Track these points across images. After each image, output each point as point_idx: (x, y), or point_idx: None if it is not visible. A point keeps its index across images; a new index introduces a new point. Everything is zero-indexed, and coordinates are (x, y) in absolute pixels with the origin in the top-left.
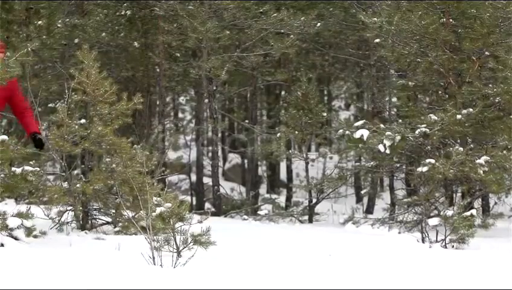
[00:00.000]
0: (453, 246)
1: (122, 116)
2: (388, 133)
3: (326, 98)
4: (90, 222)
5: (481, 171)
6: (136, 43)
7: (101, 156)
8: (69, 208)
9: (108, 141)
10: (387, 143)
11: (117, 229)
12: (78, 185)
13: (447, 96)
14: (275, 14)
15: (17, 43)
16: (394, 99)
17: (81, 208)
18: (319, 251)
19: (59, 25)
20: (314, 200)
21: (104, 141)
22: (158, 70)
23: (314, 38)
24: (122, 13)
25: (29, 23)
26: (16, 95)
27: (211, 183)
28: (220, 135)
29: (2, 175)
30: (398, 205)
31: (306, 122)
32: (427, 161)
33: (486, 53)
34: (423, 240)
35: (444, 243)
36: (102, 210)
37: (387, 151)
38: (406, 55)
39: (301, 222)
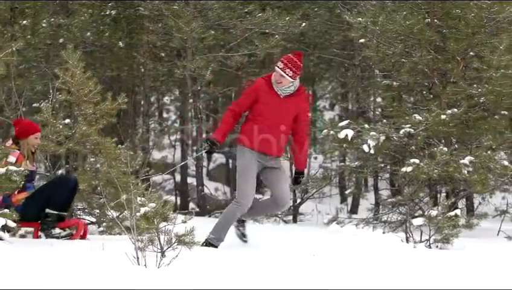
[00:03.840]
0: (437, 246)
1: (106, 116)
2: (373, 133)
3: (310, 98)
4: None
5: (465, 172)
6: (120, 43)
7: (85, 156)
8: None
9: (92, 141)
10: (372, 143)
11: (101, 229)
12: None
13: (431, 96)
14: (260, 14)
15: (1, 42)
16: (379, 100)
17: None
18: (303, 251)
19: (44, 25)
20: (298, 200)
21: (89, 141)
22: (143, 70)
23: (299, 38)
24: (107, 13)
25: (14, 23)
26: None
27: (195, 183)
28: (204, 135)
29: None
30: (382, 205)
31: None
32: (412, 161)
33: (471, 53)
34: (407, 240)
35: (428, 243)
36: (86, 210)
37: (372, 151)
38: (391, 56)
39: (285, 222)
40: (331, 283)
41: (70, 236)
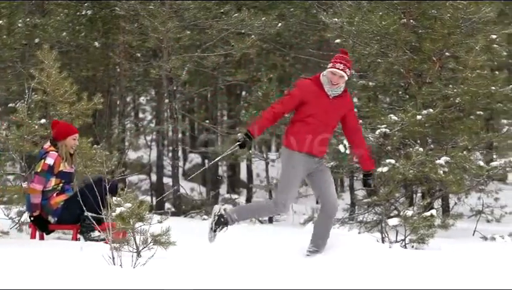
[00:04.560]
0: (412, 246)
1: (82, 116)
2: None
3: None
4: None
5: (441, 172)
6: (96, 43)
7: None
8: None
9: None
10: (348, 143)
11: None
12: None
13: (407, 96)
14: (236, 15)
15: None
16: (355, 100)
17: None
18: (278, 251)
19: (19, 25)
20: None
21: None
22: (118, 70)
23: (275, 39)
24: (83, 13)
25: None
26: None
27: (171, 184)
28: (180, 135)
29: None
30: (358, 205)
31: None
32: (387, 161)
33: (447, 54)
34: (383, 240)
35: (403, 243)
36: None
37: (348, 152)
38: (367, 56)
39: (261, 222)
40: (306, 283)
41: None
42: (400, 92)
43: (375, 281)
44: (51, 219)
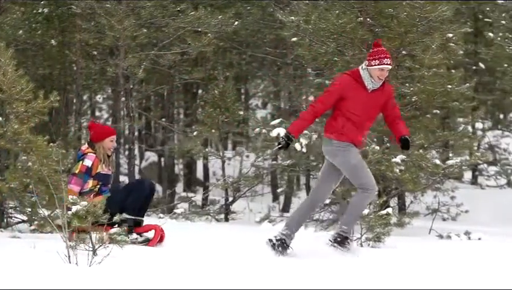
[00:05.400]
0: (369, 245)
1: (38, 114)
2: (305, 131)
3: (243, 96)
4: (5, 220)
5: (397, 170)
6: (53, 41)
7: (17, 154)
8: None
9: (24, 139)
10: (304, 142)
11: (33, 227)
12: None
13: None
14: (193, 13)
15: None
16: (311, 98)
17: None
18: (233, 250)
19: None
20: (230, 199)
21: (20, 139)
22: (75, 68)
23: (232, 37)
24: (40, 11)
25: None
26: None
27: (127, 182)
28: (136, 133)
29: None
30: None
31: (223, 120)
32: None
33: (404, 52)
34: None
35: (360, 242)
36: (18, 208)
37: (304, 150)
38: (323, 54)
39: (217, 220)
40: (261, 282)
41: (147, 242)
42: None
43: (330, 279)
44: None
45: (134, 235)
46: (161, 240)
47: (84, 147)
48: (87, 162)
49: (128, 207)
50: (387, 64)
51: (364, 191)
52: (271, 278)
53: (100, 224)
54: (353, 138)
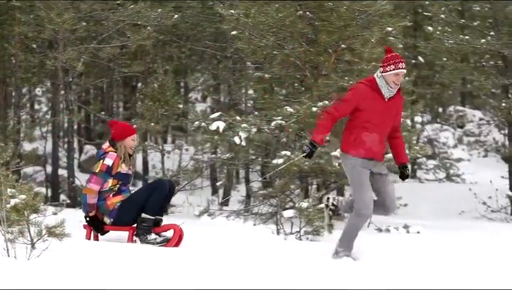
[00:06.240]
0: (307, 238)
1: None
2: (244, 125)
3: (182, 90)
4: None
5: (336, 164)
6: None
7: None
8: None
9: None
10: (243, 135)
11: None
12: None
13: (303, 88)
14: (132, 6)
15: None
16: (250, 92)
17: None
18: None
19: None
20: None
21: None
22: (14, 61)
23: (171, 30)
24: None
25: None
26: None
27: (66, 175)
28: (76, 126)
29: None
30: (253, 197)
31: (162, 114)
32: (283, 153)
33: (343, 46)
34: (278, 232)
35: (298, 235)
36: None
37: (243, 144)
38: (263, 48)
39: None
40: (200, 278)
41: (166, 243)
42: (296, 84)
43: (269, 273)
44: (107, 220)
45: (153, 236)
46: (180, 240)
47: (106, 145)
48: (108, 161)
49: (148, 207)
50: (402, 68)
51: (357, 214)
52: (206, 272)
53: (118, 224)
54: (367, 150)
